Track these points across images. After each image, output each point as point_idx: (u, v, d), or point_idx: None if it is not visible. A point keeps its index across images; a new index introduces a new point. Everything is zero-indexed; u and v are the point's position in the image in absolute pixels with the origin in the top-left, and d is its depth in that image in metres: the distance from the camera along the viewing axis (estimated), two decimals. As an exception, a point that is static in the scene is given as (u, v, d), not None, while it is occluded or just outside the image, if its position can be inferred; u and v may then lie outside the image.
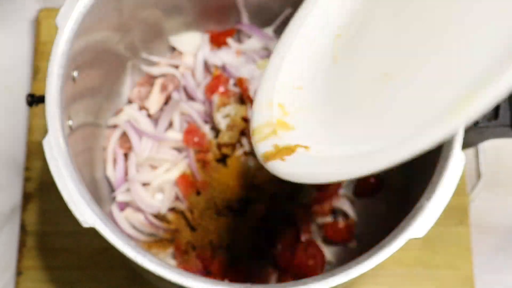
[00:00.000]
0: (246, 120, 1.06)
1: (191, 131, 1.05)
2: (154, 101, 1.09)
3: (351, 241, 1.07)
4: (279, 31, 1.17)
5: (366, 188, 1.11)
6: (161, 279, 0.75)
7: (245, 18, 1.13)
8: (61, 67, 0.84)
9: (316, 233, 1.08)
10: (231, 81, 1.10)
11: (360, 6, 0.80)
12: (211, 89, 1.07)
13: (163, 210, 1.04)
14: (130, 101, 1.12)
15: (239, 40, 1.17)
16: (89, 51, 0.93)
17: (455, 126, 0.53)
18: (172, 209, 1.06)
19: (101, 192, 1.06)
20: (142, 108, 1.11)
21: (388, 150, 0.60)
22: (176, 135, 1.07)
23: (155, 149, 1.06)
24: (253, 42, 1.15)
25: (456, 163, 0.81)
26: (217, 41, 1.14)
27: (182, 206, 1.05)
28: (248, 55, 1.14)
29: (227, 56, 1.11)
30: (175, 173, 1.05)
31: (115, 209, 1.05)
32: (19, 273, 1.10)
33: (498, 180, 1.21)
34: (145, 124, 1.07)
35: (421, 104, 0.61)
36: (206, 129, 1.08)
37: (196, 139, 1.05)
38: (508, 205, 1.20)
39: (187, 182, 1.04)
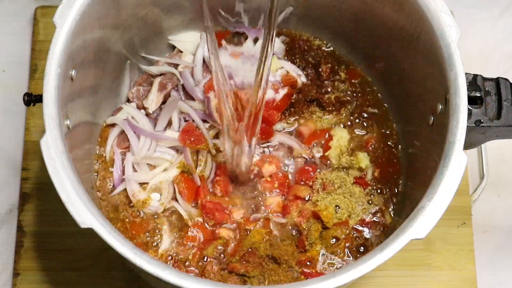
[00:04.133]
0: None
1: (188, 130, 1.04)
2: (153, 100, 1.09)
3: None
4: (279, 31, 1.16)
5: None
6: (159, 281, 0.75)
7: (244, 18, 1.12)
8: (59, 66, 0.83)
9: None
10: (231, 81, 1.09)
11: None
12: (210, 88, 1.06)
13: (160, 210, 1.03)
14: (128, 100, 1.11)
15: (238, 41, 1.16)
16: (87, 50, 0.92)
17: None
18: (169, 209, 1.05)
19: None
20: (140, 107, 1.10)
21: None
22: (174, 134, 1.06)
23: (153, 148, 1.05)
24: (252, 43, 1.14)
25: (458, 163, 0.81)
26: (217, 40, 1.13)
27: (179, 206, 1.04)
28: (246, 57, 1.12)
29: (224, 58, 1.10)
30: (173, 173, 1.04)
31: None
32: (16, 274, 1.09)
33: (501, 181, 1.20)
34: (143, 123, 1.06)
35: None
36: (205, 128, 1.06)
37: (192, 139, 1.04)
38: (511, 205, 1.19)
39: (185, 181, 1.03)
